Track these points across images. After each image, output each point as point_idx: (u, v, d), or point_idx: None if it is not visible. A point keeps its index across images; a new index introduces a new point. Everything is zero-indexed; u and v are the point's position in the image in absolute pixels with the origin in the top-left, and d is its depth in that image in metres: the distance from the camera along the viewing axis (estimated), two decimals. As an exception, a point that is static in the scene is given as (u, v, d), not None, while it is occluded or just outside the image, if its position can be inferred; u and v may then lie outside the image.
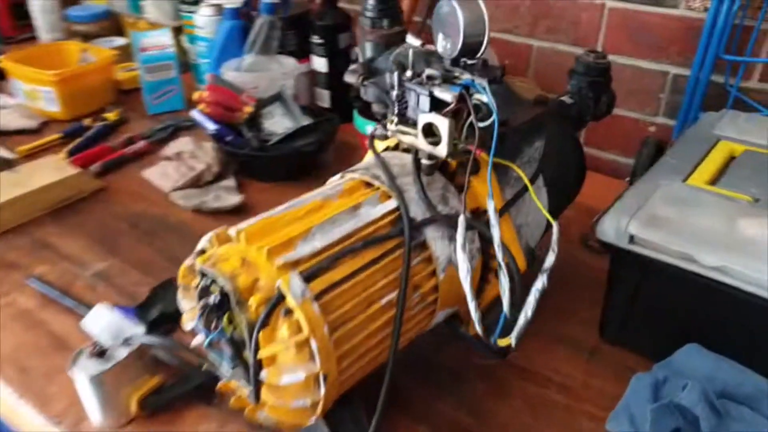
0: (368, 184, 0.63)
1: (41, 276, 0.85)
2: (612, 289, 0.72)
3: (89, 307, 0.78)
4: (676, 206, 0.68)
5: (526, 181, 0.56)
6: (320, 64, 1.24)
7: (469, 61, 0.58)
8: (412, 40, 0.63)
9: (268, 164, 1.07)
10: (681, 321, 0.69)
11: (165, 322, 0.76)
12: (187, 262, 0.58)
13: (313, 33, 1.22)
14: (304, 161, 1.09)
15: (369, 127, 1.05)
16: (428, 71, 0.56)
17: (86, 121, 1.25)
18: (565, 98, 0.84)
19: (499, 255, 0.49)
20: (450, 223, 0.60)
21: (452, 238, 0.62)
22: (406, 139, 0.57)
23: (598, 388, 0.70)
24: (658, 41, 1.05)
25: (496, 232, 0.49)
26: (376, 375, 0.59)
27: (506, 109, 0.65)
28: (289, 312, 0.51)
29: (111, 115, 1.27)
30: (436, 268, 0.61)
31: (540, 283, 0.48)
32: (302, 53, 1.25)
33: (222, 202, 0.99)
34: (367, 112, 1.03)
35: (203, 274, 0.54)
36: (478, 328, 0.50)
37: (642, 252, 0.66)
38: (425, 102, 0.55)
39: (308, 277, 0.52)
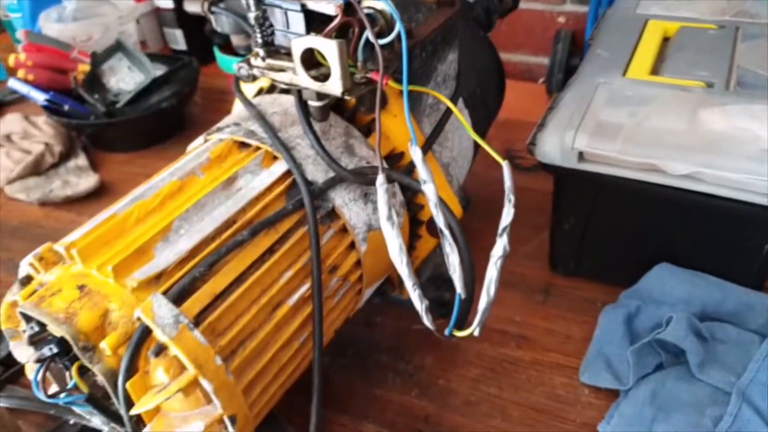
0: (243, 145, 0.47)
1: None
2: (560, 215, 0.61)
3: None
4: (624, 108, 0.56)
5: (452, 107, 0.42)
6: (164, -1, 1.02)
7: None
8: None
9: (122, 131, 0.87)
10: (645, 240, 0.59)
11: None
12: (8, 297, 0.41)
13: (149, -39, 1.00)
14: (165, 120, 0.90)
15: (236, 65, 0.86)
16: (294, -25, 0.40)
17: None
18: (466, -4, 0.70)
19: (440, 220, 0.35)
20: (363, 180, 0.46)
21: (368, 198, 0.48)
22: (282, 77, 0.42)
23: (562, 334, 0.60)
24: None
25: (430, 190, 0.35)
26: (301, 376, 0.46)
27: (406, 17, 0.50)
28: (162, 348, 0.36)
29: None
30: (355, 239, 0.47)
31: (500, 248, 0.35)
32: (140, -11, 1.03)
33: (73, 187, 0.79)
34: (231, 48, 0.85)
35: (28, 318, 0.38)
36: (428, 323, 0.37)
37: (595, 170, 0.54)
38: (298, 21, 0.39)
39: (179, 296, 0.37)
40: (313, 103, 0.45)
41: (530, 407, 0.54)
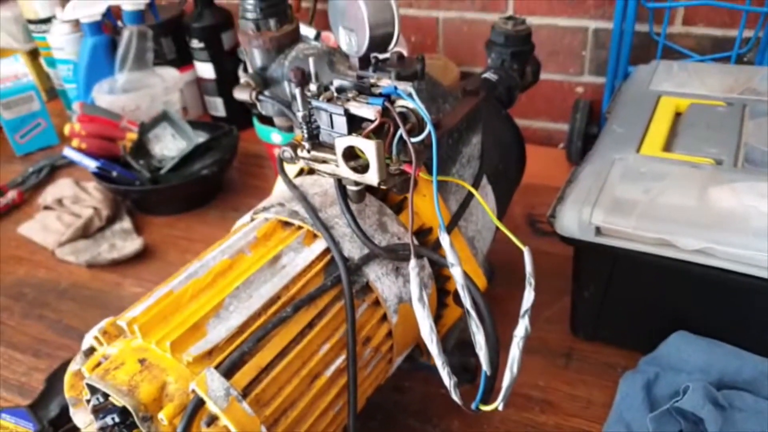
0: (287, 224, 0.52)
1: None
2: (580, 284, 0.64)
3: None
4: (638, 184, 0.60)
5: (475, 193, 0.47)
6: (206, 70, 1.10)
7: (381, 56, 0.47)
8: (307, 33, 0.51)
9: (165, 197, 0.93)
10: (662, 309, 0.61)
11: (69, 417, 0.62)
12: (73, 367, 0.45)
13: (192, 37, 1.08)
14: (206, 186, 0.96)
15: (274, 135, 0.92)
16: (337, 82, 0.45)
17: (-59, 176, 1.07)
18: (489, 75, 0.75)
19: (467, 302, 0.39)
20: (394, 256, 0.50)
21: (399, 272, 0.52)
22: (324, 168, 0.46)
23: (584, 398, 0.62)
24: (571, -5, 0.97)
25: (458, 273, 0.39)
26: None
27: (435, 108, 0.55)
28: (213, 419, 0.39)
29: (-30, 164, 1.09)
30: (387, 311, 0.51)
31: (522, 329, 0.39)
32: (183, 61, 1.11)
33: (120, 250, 0.85)
34: (268, 118, 0.91)
35: (94, 389, 0.42)
36: (456, 398, 0.40)
37: (611, 243, 0.57)
38: (341, 122, 0.43)
39: (229, 370, 0.41)
40: (351, 188, 0.49)
41: (554, 472, 0.56)
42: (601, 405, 0.61)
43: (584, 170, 0.65)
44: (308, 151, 0.47)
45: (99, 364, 0.43)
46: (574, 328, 0.68)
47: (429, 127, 0.42)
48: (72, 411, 0.47)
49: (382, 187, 0.44)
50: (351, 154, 0.45)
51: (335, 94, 0.44)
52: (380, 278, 0.50)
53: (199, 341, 0.42)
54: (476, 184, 0.58)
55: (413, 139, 0.42)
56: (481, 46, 0.78)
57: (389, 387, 0.64)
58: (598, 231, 0.58)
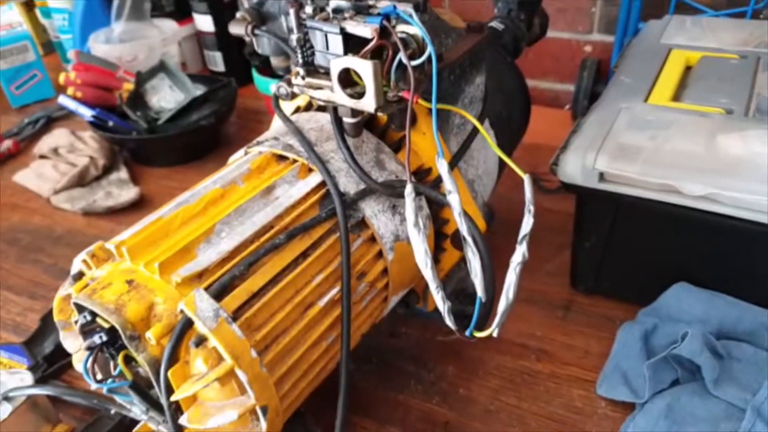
0: (281, 158, 0.51)
1: None
2: (581, 234, 0.63)
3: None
4: (644, 131, 0.58)
5: (479, 126, 0.45)
6: (205, 22, 1.07)
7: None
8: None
9: (162, 147, 0.92)
10: (664, 259, 0.60)
11: (64, 354, 0.62)
12: (61, 291, 0.45)
13: (191, -12, 1.06)
14: (203, 137, 0.95)
15: (273, 86, 0.90)
16: (334, 3, 0.43)
17: (-63, 125, 1.06)
18: (495, 24, 0.73)
19: (464, 228, 0.38)
20: (391, 192, 0.48)
21: (396, 210, 0.51)
22: (319, 95, 0.45)
23: (581, 348, 0.61)
24: (580, -51, 0.95)
25: (455, 200, 0.38)
26: (327, 380, 0.48)
27: (437, 42, 0.53)
28: (202, 340, 0.39)
29: (-33, 114, 1.08)
30: (382, 248, 0.49)
31: (519, 255, 0.37)
32: (182, 14, 1.08)
33: (115, 198, 0.84)
34: (268, 70, 0.89)
35: (81, 308, 0.41)
36: (450, 322, 0.39)
37: (615, 190, 0.56)
38: (337, 42, 0.42)
39: (219, 292, 0.40)
40: (348, 120, 0.48)
41: (548, 417, 0.55)
42: (598, 355, 0.60)
43: (589, 119, 0.63)
44: (303, 78, 0.45)
45: (87, 286, 0.42)
46: (574, 281, 0.68)
47: (430, 50, 0.40)
48: (62, 335, 0.46)
49: (380, 114, 0.43)
50: (347, 81, 0.44)
51: (331, 15, 0.42)
52: (376, 215, 0.49)
53: (188, 264, 0.41)
54: (476, 131, 0.57)
55: (413, 62, 0.41)
56: (488, 5, 0.76)
57: (385, 332, 0.64)
58: (602, 177, 0.56)
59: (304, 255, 0.45)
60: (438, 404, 0.57)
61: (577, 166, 0.57)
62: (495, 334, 0.38)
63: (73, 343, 0.46)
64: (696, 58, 0.70)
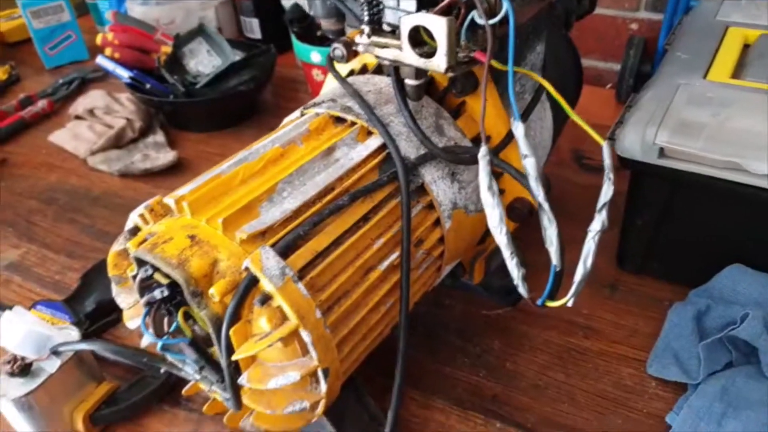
0: (338, 120, 0.49)
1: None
2: (634, 212, 0.61)
3: (6, 307, 0.63)
4: (705, 108, 0.56)
5: (551, 88, 0.44)
6: (243, -12, 1.06)
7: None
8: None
9: (199, 111, 0.90)
10: (720, 240, 0.59)
11: (105, 313, 0.62)
12: (116, 246, 0.44)
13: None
14: (241, 104, 0.93)
15: (314, 54, 0.89)
16: (407, -43, 0.42)
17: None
18: (547, -6, 0.71)
19: (540, 195, 0.37)
20: (452, 158, 0.47)
21: (455, 177, 0.49)
22: (386, 54, 0.44)
23: (629, 327, 0.60)
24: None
25: (531, 164, 0.37)
26: (378, 349, 0.48)
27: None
28: (267, 298, 0.38)
29: (-1, 73, 1.07)
30: (440, 215, 0.48)
31: (599, 223, 0.36)
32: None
33: (153, 161, 0.83)
34: (308, 37, 0.88)
35: (141, 262, 0.40)
36: (523, 290, 0.38)
37: (675, 166, 0.55)
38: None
39: (284, 251, 0.39)
40: (410, 82, 0.47)
41: (598, 395, 0.55)
42: (647, 335, 0.59)
43: (646, 95, 0.61)
44: (368, 36, 0.44)
45: (145, 240, 0.41)
46: (621, 260, 0.66)
47: (506, 7, 0.39)
48: (115, 291, 0.46)
49: (450, 74, 0.41)
50: (416, 41, 0.42)
51: (406, -31, 0.41)
52: (435, 181, 0.48)
53: (252, 221, 0.40)
54: (537, 96, 0.55)
55: (491, 21, 0.39)
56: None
57: (430, 302, 0.63)
58: (662, 153, 0.55)
59: (365, 218, 0.44)
60: (485, 377, 0.57)
61: (636, 141, 0.56)
62: (569, 304, 0.37)
63: (126, 300, 0.45)
64: (755, 36, 0.68)
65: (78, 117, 0.92)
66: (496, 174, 0.52)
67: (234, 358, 0.38)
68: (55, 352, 0.48)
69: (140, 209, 0.43)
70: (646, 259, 0.64)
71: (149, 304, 0.40)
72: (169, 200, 0.42)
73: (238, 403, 0.41)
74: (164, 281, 0.40)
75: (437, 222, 0.49)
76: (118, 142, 0.87)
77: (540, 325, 0.61)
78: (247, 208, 0.41)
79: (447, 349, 0.59)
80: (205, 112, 0.90)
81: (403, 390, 0.44)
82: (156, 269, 0.39)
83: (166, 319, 0.42)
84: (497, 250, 0.61)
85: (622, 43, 0.93)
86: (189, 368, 0.45)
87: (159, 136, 0.89)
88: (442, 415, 0.54)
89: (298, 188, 0.43)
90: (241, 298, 0.37)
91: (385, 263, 0.44)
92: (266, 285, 0.37)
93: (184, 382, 0.56)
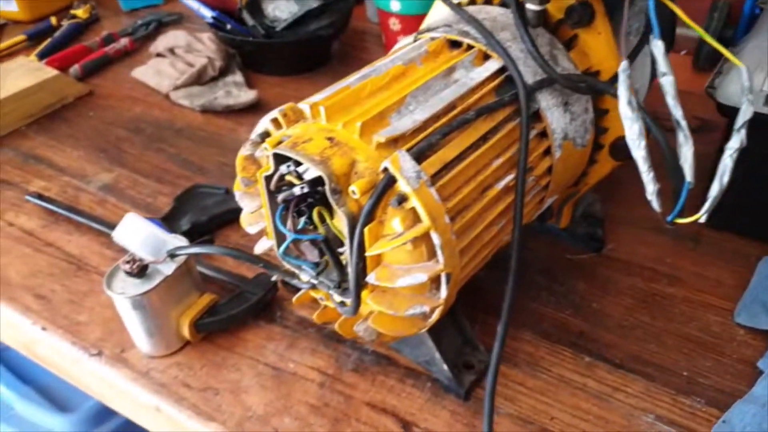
0: (453, 45, 0.50)
1: (40, 192, 0.71)
2: (727, 164, 0.61)
3: (104, 223, 0.65)
4: (814, 57, 0.56)
5: (674, 7, 0.44)
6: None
7: None
8: None
9: (278, 53, 0.92)
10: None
11: (197, 233, 0.64)
12: (245, 150, 0.46)
13: None
14: (318, 49, 0.95)
15: (394, 2, 0.89)
16: None
17: (52, 20, 1.07)
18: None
19: (679, 113, 0.37)
20: (570, 84, 0.48)
21: (567, 107, 0.50)
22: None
23: (713, 279, 0.61)
24: None
25: (669, 82, 0.37)
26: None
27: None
28: (403, 199, 0.39)
29: (80, 12, 1.09)
30: (552, 144, 0.49)
31: (737, 141, 0.37)
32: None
33: (235, 98, 0.85)
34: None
35: (280, 160, 0.41)
36: (656, 204, 0.39)
37: (782, 113, 0.55)
38: None
39: (417, 157, 0.40)
40: (532, 7, 0.47)
41: (685, 338, 0.55)
42: (732, 286, 0.60)
43: (747, 45, 0.61)
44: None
45: (281, 142, 0.42)
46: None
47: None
48: (238, 195, 0.47)
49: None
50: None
51: None
52: (550, 108, 0.49)
53: (385, 129, 0.41)
54: (644, 39, 0.56)
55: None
56: None
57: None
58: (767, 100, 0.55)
59: (485, 138, 0.45)
60: (571, 315, 0.58)
61: (740, 88, 0.55)
62: (702, 220, 0.38)
63: (250, 204, 0.47)
64: None
65: (159, 55, 0.94)
66: (599, 111, 0.53)
67: (368, 254, 0.40)
68: (171, 255, 0.50)
69: (273, 114, 0.44)
70: (734, 214, 0.64)
71: (286, 201, 0.41)
72: (303, 106, 0.43)
73: (358, 304, 0.43)
74: (297, 183, 0.41)
75: (547, 151, 0.50)
76: (199, 79, 0.88)
77: (624, 271, 0.62)
78: (379, 116, 0.42)
79: (533, 287, 0.60)
80: (283, 54, 0.92)
81: (513, 304, 0.45)
82: (298, 165, 0.40)
83: (290, 221, 0.43)
84: (585, 197, 0.62)
85: (703, 8, 0.92)
86: (305, 274, 0.46)
87: (238, 76, 0.90)
88: (531, 346, 0.55)
89: (423, 103, 0.44)
90: (378, 196, 0.39)
91: (501, 183, 0.45)
92: (403, 186, 0.39)
93: (278, 301, 0.59)
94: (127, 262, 0.50)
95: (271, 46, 0.90)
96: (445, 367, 0.50)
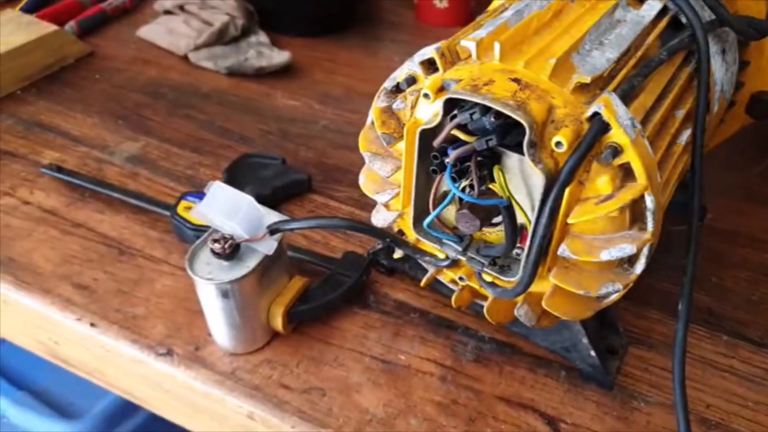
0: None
1: (59, 164, 0.60)
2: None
3: (146, 199, 0.55)
4: None
5: None
6: None
7: None
8: None
9: (303, 10, 0.83)
10: None
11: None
12: (380, 103, 0.38)
13: None
14: (344, 6, 0.86)
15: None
16: None
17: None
18: None
19: None
20: (743, 29, 0.42)
21: (724, 57, 0.44)
22: None
23: (828, 249, 0.57)
24: None
25: None
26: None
27: None
28: (617, 152, 0.32)
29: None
30: (712, 97, 0.43)
31: None
32: None
33: (268, 59, 0.75)
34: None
35: (455, 105, 0.33)
36: None
37: None
38: None
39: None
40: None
41: (823, 310, 0.51)
42: None
43: None
44: None
45: (442, 89, 0.35)
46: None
47: None
48: (369, 157, 0.39)
49: None
50: None
51: None
52: (714, 56, 0.43)
53: (575, 73, 0.34)
54: None
55: None
56: None
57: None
58: None
59: (669, 84, 0.39)
60: (695, 291, 0.52)
61: None
62: None
63: (384, 167, 0.39)
64: None
65: (167, 12, 0.83)
66: (740, 64, 0.48)
67: (570, 220, 0.33)
68: (272, 231, 0.42)
69: (426, 54, 0.36)
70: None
71: (458, 161, 0.33)
72: (468, 43, 0.35)
73: (529, 283, 0.36)
74: (468, 139, 0.33)
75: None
76: (221, 38, 0.78)
77: (732, 242, 0.57)
78: (563, 58, 0.35)
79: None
80: (309, 11, 0.83)
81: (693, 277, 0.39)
82: (487, 110, 0.32)
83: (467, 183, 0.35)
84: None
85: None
86: (449, 249, 0.39)
87: (262, 36, 0.81)
88: (663, 326, 0.49)
89: (604, 43, 0.37)
90: (587, 148, 0.32)
91: (683, 139, 0.39)
92: (620, 136, 0.32)
93: (372, 284, 0.51)
94: (216, 240, 0.41)
95: (296, 2, 0.81)
96: (593, 353, 0.44)
